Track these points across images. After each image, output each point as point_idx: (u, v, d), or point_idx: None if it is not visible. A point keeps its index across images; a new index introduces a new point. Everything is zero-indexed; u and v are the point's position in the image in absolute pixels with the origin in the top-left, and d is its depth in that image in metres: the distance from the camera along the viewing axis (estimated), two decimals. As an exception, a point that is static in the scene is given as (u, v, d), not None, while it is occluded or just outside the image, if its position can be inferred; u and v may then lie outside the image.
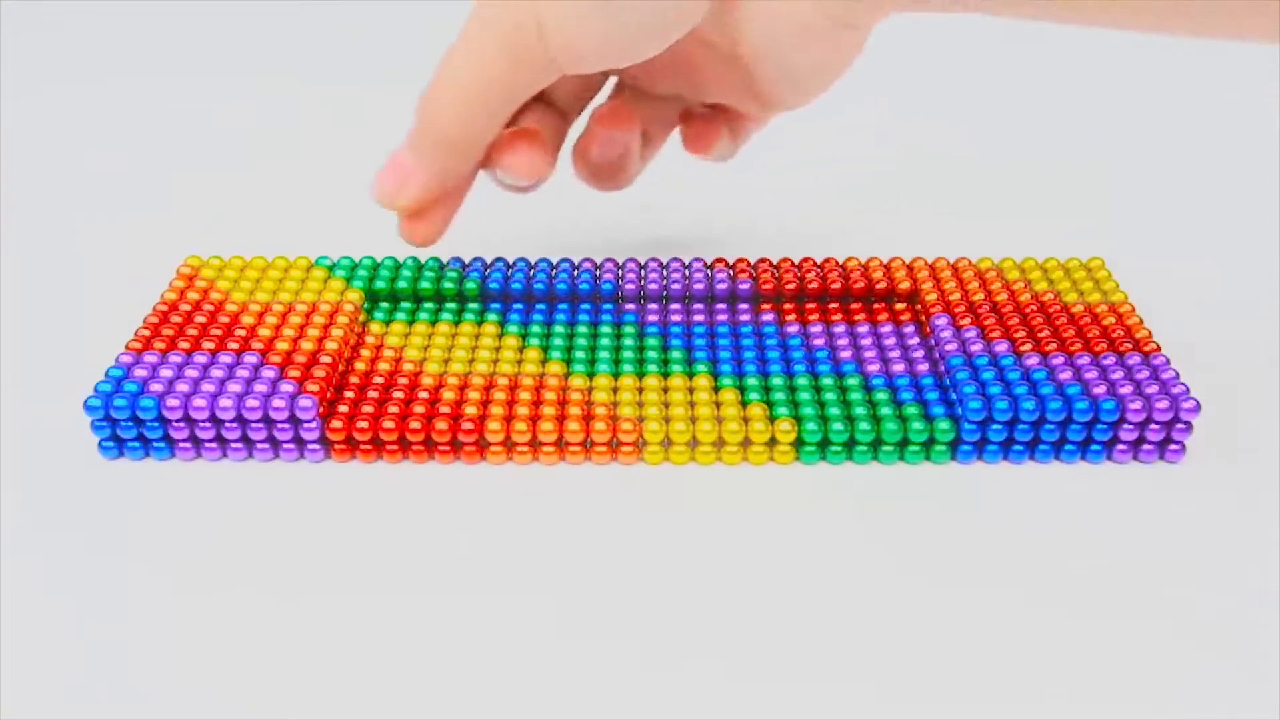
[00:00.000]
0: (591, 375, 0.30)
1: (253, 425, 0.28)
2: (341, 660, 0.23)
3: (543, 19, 0.27)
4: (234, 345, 0.30)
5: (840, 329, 0.32)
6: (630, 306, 0.33)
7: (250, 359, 0.30)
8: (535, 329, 0.32)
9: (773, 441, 0.29)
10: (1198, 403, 0.28)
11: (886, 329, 0.32)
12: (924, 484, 0.28)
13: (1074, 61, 0.52)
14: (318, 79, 0.52)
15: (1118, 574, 0.26)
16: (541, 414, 0.29)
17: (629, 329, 0.32)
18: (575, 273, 0.34)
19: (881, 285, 0.33)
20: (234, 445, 0.29)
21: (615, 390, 0.30)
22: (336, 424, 0.28)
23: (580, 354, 0.31)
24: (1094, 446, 0.29)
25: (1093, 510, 0.28)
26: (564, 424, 0.28)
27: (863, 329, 0.32)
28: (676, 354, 0.31)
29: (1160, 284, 0.35)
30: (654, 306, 0.33)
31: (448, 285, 0.33)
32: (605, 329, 0.32)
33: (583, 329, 0.32)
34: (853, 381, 0.30)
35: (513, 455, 0.29)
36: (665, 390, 0.30)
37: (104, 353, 0.30)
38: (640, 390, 0.30)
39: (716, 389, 0.30)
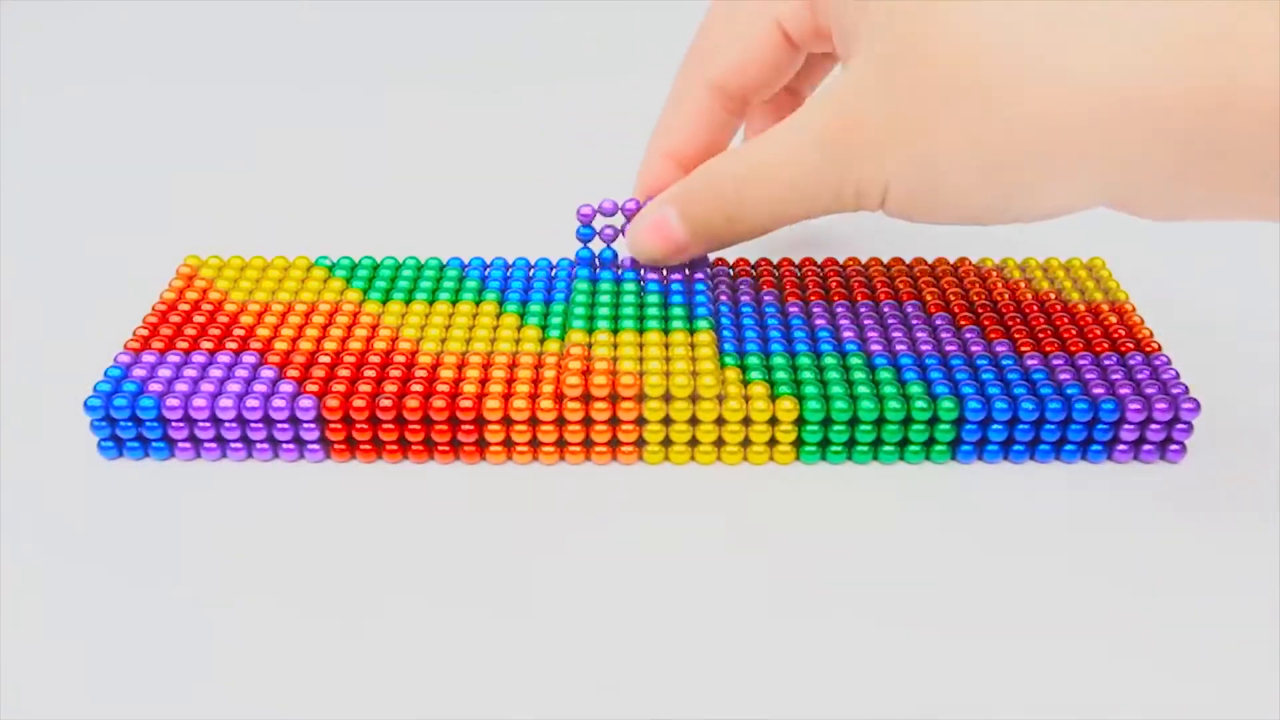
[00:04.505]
0: (590, 331, 0.30)
1: (252, 425, 0.28)
2: (341, 661, 0.23)
3: (892, 186, 0.26)
4: (233, 345, 0.30)
5: (842, 308, 0.32)
6: (629, 265, 0.33)
7: (249, 359, 0.30)
8: (534, 308, 0.32)
9: (774, 421, 0.28)
10: (1198, 403, 0.28)
11: (889, 307, 0.32)
12: (924, 484, 0.28)
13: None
14: (318, 80, 0.52)
15: (1118, 574, 0.26)
16: (540, 391, 0.28)
17: (629, 285, 0.32)
18: (574, 271, 0.34)
19: None
20: (234, 445, 0.29)
21: (615, 347, 0.29)
22: (333, 400, 0.28)
23: (579, 309, 0.30)
24: (1094, 446, 0.29)
25: (1093, 510, 0.28)
26: (563, 404, 0.28)
27: (864, 308, 0.32)
28: (678, 310, 0.31)
29: (1161, 284, 0.35)
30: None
31: None
32: (605, 285, 0.32)
33: (582, 285, 0.31)
34: (856, 360, 0.30)
35: (512, 455, 0.29)
36: (667, 358, 0.29)
37: (104, 353, 0.30)
38: (641, 346, 0.29)
39: (722, 366, 0.29)
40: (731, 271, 0.34)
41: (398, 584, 0.25)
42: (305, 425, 0.28)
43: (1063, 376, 0.29)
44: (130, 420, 0.28)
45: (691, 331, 0.30)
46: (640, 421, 0.28)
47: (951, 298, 0.33)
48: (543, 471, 0.29)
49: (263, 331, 0.31)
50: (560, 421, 0.28)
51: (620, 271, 0.32)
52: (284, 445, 0.29)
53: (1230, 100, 0.23)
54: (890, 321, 0.31)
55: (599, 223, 0.33)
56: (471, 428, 0.28)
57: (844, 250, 0.35)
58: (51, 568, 0.26)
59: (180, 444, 0.29)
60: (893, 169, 0.26)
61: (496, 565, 0.26)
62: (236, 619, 0.24)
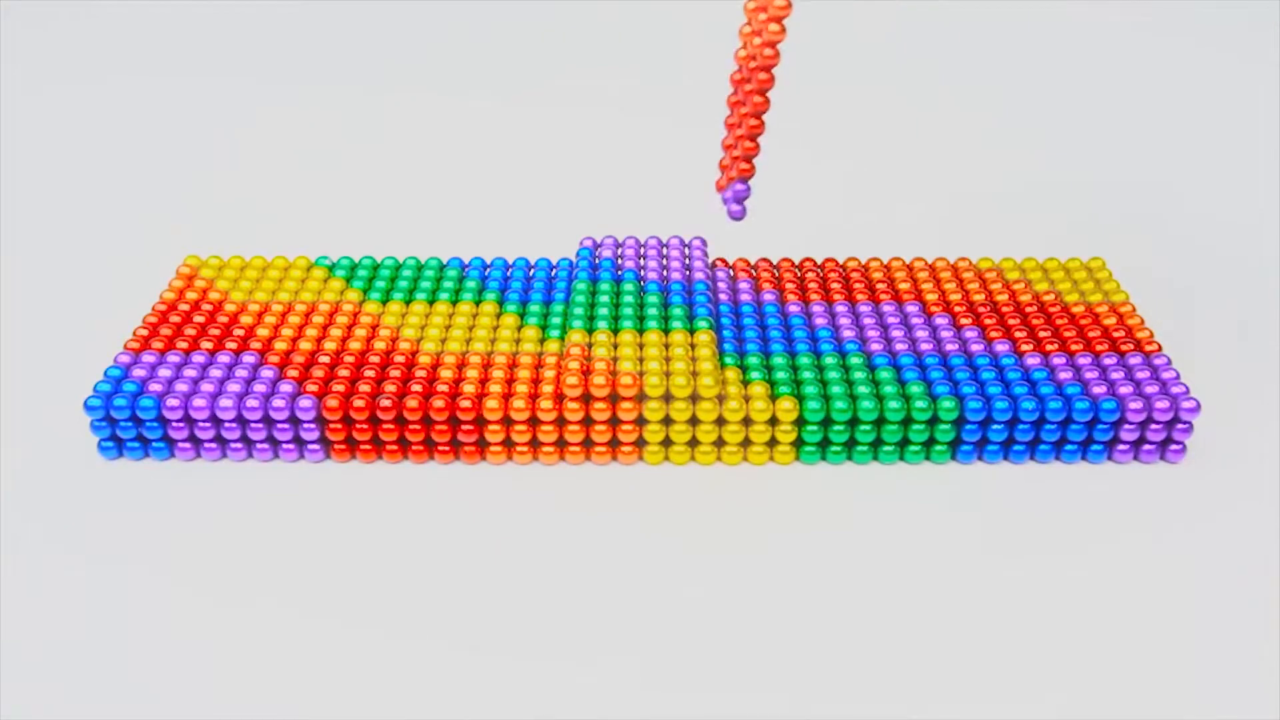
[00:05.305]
0: (590, 331, 0.29)
1: (252, 425, 0.28)
2: (341, 660, 0.23)
3: None
4: (233, 345, 0.30)
5: (842, 308, 0.32)
6: (629, 265, 0.33)
7: (249, 359, 0.30)
8: (534, 308, 0.32)
9: (774, 421, 0.28)
10: (1198, 403, 0.28)
11: (889, 307, 0.32)
12: (924, 484, 0.28)
13: (1076, 63, 0.52)
14: (318, 79, 0.52)
15: (1118, 573, 0.26)
16: (540, 391, 0.28)
17: (629, 286, 0.31)
18: (574, 270, 0.34)
19: None
20: (234, 445, 0.29)
21: (615, 347, 0.29)
22: (333, 400, 0.28)
23: (579, 309, 0.30)
24: (1095, 446, 0.29)
25: (1093, 510, 0.28)
26: (562, 404, 0.28)
27: (864, 308, 0.32)
28: (677, 310, 0.30)
29: (1161, 284, 0.35)
30: (653, 265, 0.33)
31: None
32: (605, 285, 0.32)
33: (582, 285, 0.31)
34: (856, 360, 0.30)
35: (512, 455, 0.29)
36: (667, 358, 0.29)
37: (104, 353, 0.30)
38: (641, 346, 0.29)
39: (722, 366, 0.29)
40: (731, 271, 0.34)
41: (398, 584, 0.25)
42: (305, 425, 0.28)
43: (1063, 376, 0.29)
44: (130, 420, 0.28)
45: (691, 331, 0.30)
46: (640, 421, 0.28)
47: (952, 298, 0.33)
48: (543, 471, 0.29)
49: (263, 331, 0.31)
50: (560, 421, 0.28)
51: (620, 272, 0.32)
52: (284, 445, 0.29)
53: None
54: (890, 321, 0.31)
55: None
56: (471, 428, 0.28)
57: (844, 250, 0.35)
58: (51, 568, 0.26)
59: (180, 444, 0.29)
60: None
61: (496, 565, 0.26)
62: (236, 619, 0.24)
